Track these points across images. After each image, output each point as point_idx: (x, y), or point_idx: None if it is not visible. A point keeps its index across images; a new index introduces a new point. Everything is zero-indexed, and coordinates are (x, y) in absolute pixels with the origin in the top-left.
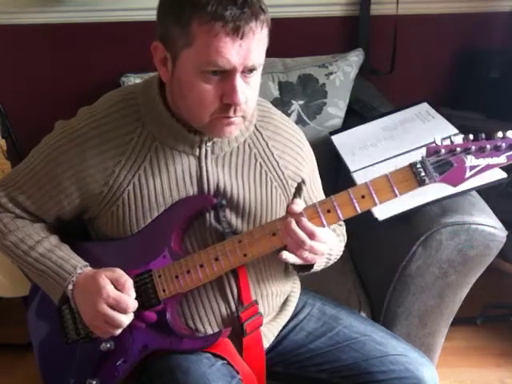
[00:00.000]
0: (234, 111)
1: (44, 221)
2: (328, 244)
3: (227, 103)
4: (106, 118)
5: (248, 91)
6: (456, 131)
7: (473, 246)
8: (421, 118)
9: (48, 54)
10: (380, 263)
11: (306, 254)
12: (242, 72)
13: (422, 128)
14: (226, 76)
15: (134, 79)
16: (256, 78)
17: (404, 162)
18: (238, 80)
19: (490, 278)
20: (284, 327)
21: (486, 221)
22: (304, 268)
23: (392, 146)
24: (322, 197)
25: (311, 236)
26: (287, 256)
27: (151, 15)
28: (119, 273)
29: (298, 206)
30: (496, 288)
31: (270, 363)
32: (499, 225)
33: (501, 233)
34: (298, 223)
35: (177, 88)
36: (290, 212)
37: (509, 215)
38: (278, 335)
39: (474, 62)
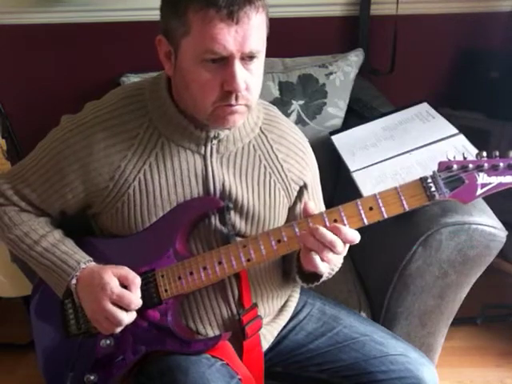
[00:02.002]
0: (236, 98)
1: (49, 215)
2: (347, 247)
3: (228, 90)
4: (112, 112)
5: (249, 79)
6: (456, 131)
7: (473, 245)
8: (421, 118)
9: (48, 54)
10: (380, 263)
11: (330, 256)
12: (242, 59)
13: (422, 128)
14: (225, 63)
15: (133, 79)
16: (258, 65)
17: (404, 161)
18: (238, 66)
19: (490, 278)
20: (284, 327)
21: (486, 221)
22: (310, 280)
23: (392, 145)
24: (322, 205)
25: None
26: (316, 259)
27: (151, 15)
28: (127, 270)
29: (313, 207)
30: (496, 288)
31: (270, 363)
32: (499, 225)
33: (501, 233)
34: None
35: (180, 79)
36: (307, 213)
37: (509, 215)
38: (278, 335)
39: (474, 62)
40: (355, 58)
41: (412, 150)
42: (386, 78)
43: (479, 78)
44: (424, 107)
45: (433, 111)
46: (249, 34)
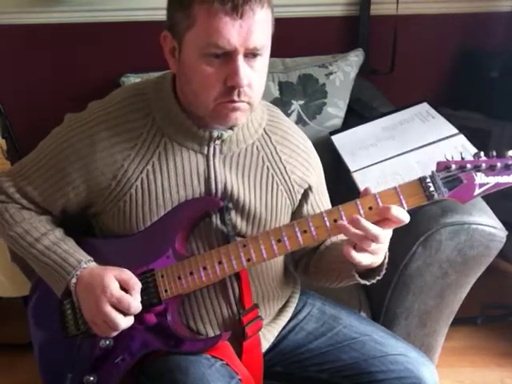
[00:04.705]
0: (238, 94)
1: (50, 213)
2: (386, 245)
3: (230, 86)
4: (116, 111)
5: (252, 76)
6: (456, 131)
7: (473, 245)
8: (421, 118)
9: (48, 54)
10: None
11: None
12: (246, 56)
13: (422, 128)
14: (228, 59)
15: (134, 79)
16: (261, 63)
17: (404, 161)
18: (241, 62)
19: (490, 278)
20: (284, 327)
21: (486, 221)
22: (368, 276)
23: (392, 145)
24: (329, 206)
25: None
26: (355, 255)
27: (151, 15)
28: (128, 274)
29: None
30: (496, 288)
31: (270, 363)
32: (499, 225)
33: (501, 233)
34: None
35: (183, 74)
36: (366, 193)
37: (509, 215)
38: (278, 335)
39: (474, 61)
40: (355, 58)
41: (412, 150)
42: (386, 77)
43: (479, 78)
44: (424, 107)
45: (433, 111)
46: (253, 28)
